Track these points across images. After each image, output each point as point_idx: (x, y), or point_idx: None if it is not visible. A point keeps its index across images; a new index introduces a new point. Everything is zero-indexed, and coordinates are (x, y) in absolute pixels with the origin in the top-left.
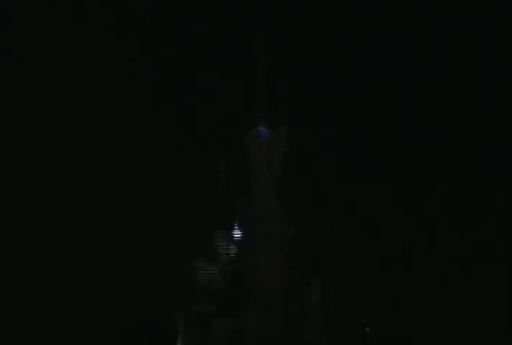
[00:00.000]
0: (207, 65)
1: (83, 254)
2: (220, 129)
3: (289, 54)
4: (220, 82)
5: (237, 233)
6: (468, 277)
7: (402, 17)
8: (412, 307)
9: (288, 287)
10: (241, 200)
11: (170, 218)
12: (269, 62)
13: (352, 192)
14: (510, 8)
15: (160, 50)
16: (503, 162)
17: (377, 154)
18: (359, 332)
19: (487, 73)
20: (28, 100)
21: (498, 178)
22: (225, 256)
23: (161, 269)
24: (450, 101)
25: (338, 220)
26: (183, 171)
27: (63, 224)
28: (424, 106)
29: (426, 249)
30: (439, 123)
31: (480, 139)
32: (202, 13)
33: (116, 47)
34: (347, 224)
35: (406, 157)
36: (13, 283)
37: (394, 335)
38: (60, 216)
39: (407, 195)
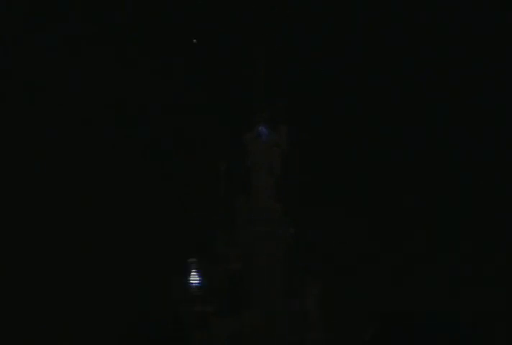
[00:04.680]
0: (206, 65)
1: (82, 254)
2: (220, 129)
3: (289, 53)
4: (219, 81)
5: (237, 233)
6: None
7: (403, 17)
8: (413, 307)
9: (288, 287)
10: (241, 200)
11: (169, 217)
12: (269, 62)
13: (353, 191)
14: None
15: (159, 49)
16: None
17: (378, 154)
18: (359, 332)
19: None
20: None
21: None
22: (225, 256)
23: (161, 269)
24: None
25: (338, 219)
26: (182, 171)
27: (62, 224)
28: (428, 108)
29: (426, 248)
30: (442, 124)
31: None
32: (202, 12)
33: (114, 48)
34: (347, 224)
35: (408, 156)
36: (12, 282)
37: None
38: (59, 216)
39: (409, 195)
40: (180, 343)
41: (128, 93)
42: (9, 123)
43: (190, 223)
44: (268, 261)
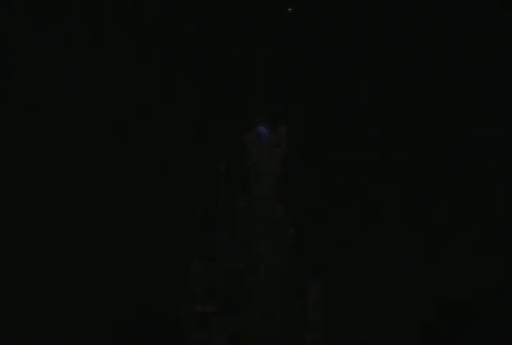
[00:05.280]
0: (206, 65)
1: (81, 255)
2: (220, 129)
3: (289, 53)
4: (219, 81)
5: (237, 233)
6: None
7: (403, 17)
8: (412, 306)
9: (288, 287)
10: (241, 200)
11: (169, 217)
12: (269, 62)
13: (353, 191)
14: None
15: (159, 49)
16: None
17: (378, 154)
18: (359, 333)
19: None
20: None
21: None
22: (225, 256)
23: (161, 269)
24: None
25: (338, 219)
26: (182, 171)
27: (62, 224)
28: (428, 108)
29: (426, 248)
30: (442, 124)
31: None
32: (202, 12)
33: (114, 48)
34: (348, 223)
35: (409, 156)
36: (12, 282)
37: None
38: (59, 216)
39: (409, 195)
40: (180, 343)
41: (128, 92)
42: (9, 123)
43: (190, 223)
44: (268, 261)
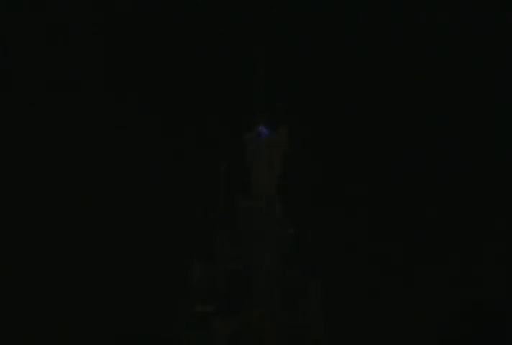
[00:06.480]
0: (206, 65)
1: (80, 255)
2: (220, 129)
3: (289, 53)
4: (220, 81)
5: (237, 233)
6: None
7: (403, 17)
8: (411, 308)
9: (288, 287)
10: (241, 200)
11: (169, 217)
12: (269, 62)
13: (353, 191)
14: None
15: (158, 49)
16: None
17: (378, 154)
18: (359, 333)
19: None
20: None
21: None
22: (225, 256)
23: (161, 269)
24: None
25: (338, 219)
26: (182, 171)
27: (63, 225)
28: (428, 108)
29: (425, 248)
30: (442, 124)
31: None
32: (202, 12)
33: (114, 47)
34: (348, 224)
35: (408, 156)
36: (13, 283)
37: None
38: (60, 217)
39: (408, 195)
40: (179, 343)
41: (127, 92)
42: (9, 122)
43: (190, 223)
44: (268, 261)
